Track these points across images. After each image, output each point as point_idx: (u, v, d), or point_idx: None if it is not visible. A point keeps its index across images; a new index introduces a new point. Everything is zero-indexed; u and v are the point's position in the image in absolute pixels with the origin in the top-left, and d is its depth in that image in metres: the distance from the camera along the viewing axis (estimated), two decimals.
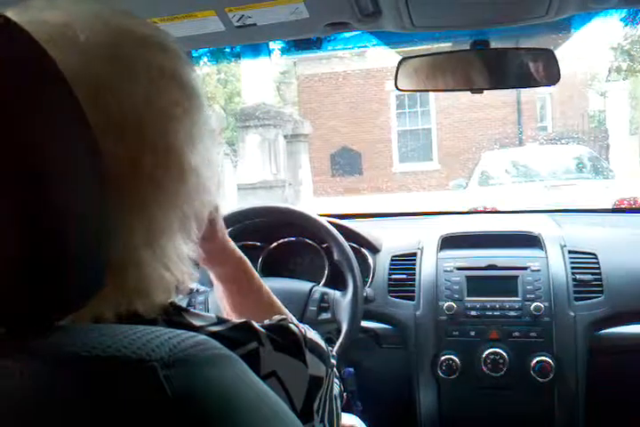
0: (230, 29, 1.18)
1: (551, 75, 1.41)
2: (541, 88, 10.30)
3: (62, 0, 0.53)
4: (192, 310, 0.58)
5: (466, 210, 5.95)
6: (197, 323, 0.56)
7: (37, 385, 0.38)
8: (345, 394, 1.44)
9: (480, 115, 12.56)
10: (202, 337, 0.45)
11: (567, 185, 6.93)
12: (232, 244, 0.88)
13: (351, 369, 1.69)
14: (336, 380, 0.69)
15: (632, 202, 6.19)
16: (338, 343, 1.32)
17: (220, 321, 0.57)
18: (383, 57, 9.74)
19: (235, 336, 0.55)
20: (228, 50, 1.62)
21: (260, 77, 9.68)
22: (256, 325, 0.58)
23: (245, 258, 0.90)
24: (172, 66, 0.55)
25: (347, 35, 1.49)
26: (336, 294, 1.43)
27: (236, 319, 0.58)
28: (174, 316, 0.56)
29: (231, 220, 1.45)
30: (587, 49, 10.72)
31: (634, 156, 13.00)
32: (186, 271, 0.57)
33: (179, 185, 0.54)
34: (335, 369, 0.69)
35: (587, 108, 14.20)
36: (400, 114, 13.60)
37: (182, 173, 0.54)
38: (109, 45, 0.51)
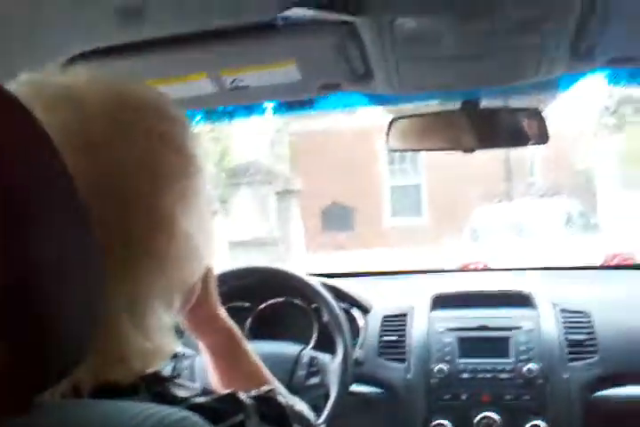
0: (223, 91, 1.19)
1: (540, 134, 1.43)
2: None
3: (72, 67, 0.56)
4: (177, 379, 0.56)
5: (457, 266, 5.93)
6: (182, 394, 0.54)
7: None
8: None
9: (470, 170, 12.69)
10: (184, 413, 0.43)
11: (558, 241, 6.96)
12: (223, 311, 0.86)
13: None
14: None
15: (623, 258, 6.18)
16: (326, 412, 1.27)
17: (205, 392, 0.55)
18: (374, 115, 9.92)
19: (220, 408, 0.53)
20: (221, 109, 1.64)
21: (253, 135, 9.81)
22: (242, 396, 0.56)
23: (234, 326, 0.88)
24: (171, 131, 0.56)
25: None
26: (325, 357, 1.39)
27: (222, 389, 0.57)
28: (158, 386, 0.54)
29: (218, 281, 1.43)
30: (575, 107, 10.99)
31: (623, 211, 13.12)
32: (166, 341, 0.55)
33: (168, 249, 0.53)
34: None
35: (575, 164, 14.42)
36: (390, 170, 13.75)
37: (172, 236, 0.53)
38: (109, 108, 0.52)
